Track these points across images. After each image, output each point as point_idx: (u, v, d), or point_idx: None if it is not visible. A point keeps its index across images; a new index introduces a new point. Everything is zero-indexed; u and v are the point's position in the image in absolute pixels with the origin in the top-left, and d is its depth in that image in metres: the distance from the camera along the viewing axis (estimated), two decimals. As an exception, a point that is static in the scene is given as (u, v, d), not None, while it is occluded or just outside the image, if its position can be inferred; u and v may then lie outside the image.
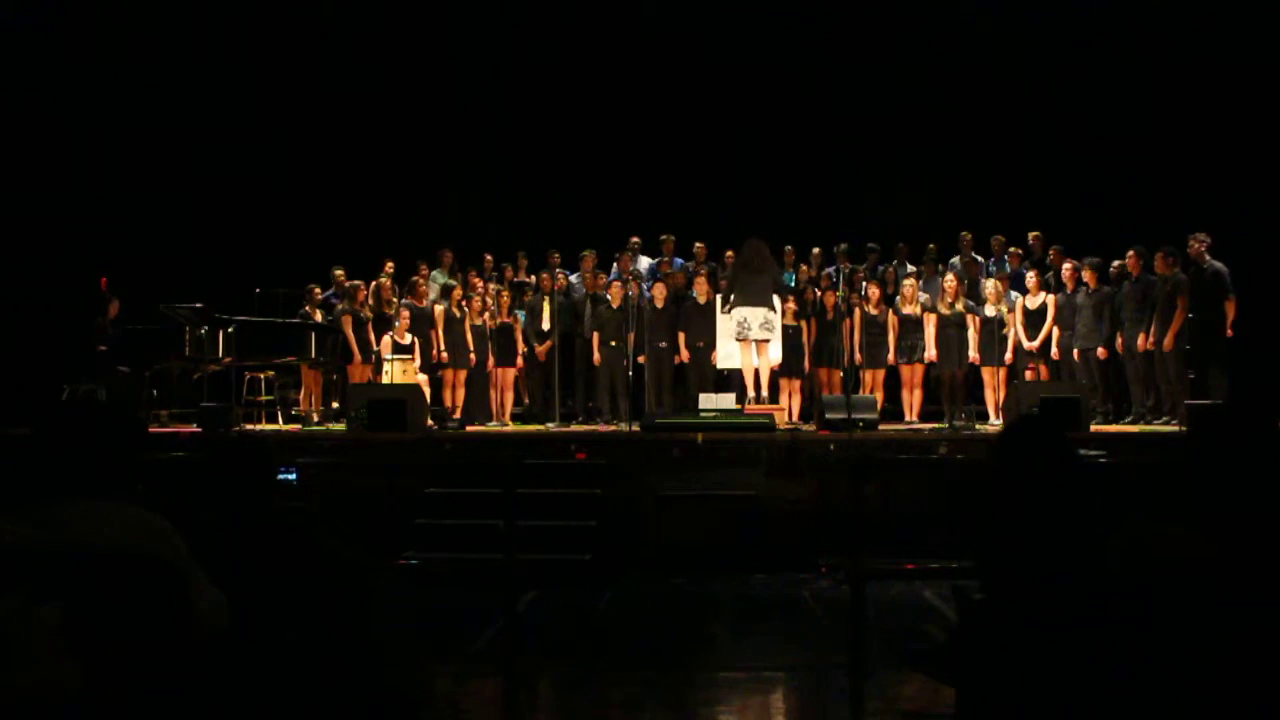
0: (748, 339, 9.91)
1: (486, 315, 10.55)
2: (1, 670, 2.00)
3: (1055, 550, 2.26)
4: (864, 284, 10.43)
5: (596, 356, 10.43)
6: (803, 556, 6.96)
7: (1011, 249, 10.83)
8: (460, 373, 10.43)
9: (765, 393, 10.02)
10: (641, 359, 10.28)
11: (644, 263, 11.69)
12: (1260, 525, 1.90)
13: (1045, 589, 2.18)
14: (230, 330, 9.48)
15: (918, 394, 10.27)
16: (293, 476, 6.31)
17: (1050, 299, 9.88)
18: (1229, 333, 8.94)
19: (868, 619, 4.75)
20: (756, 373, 10.03)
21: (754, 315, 9.84)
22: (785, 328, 10.13)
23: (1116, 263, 9.95)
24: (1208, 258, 9.14)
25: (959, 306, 10.00)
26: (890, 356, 10.15)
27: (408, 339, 10.10)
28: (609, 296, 10.47)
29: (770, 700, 4.79)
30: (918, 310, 10.15)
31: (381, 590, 3.16)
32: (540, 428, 9.97)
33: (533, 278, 11.40)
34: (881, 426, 9.00)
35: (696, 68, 12.59)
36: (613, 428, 9.83)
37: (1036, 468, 2.42)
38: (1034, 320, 9.91)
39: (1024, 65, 11.85)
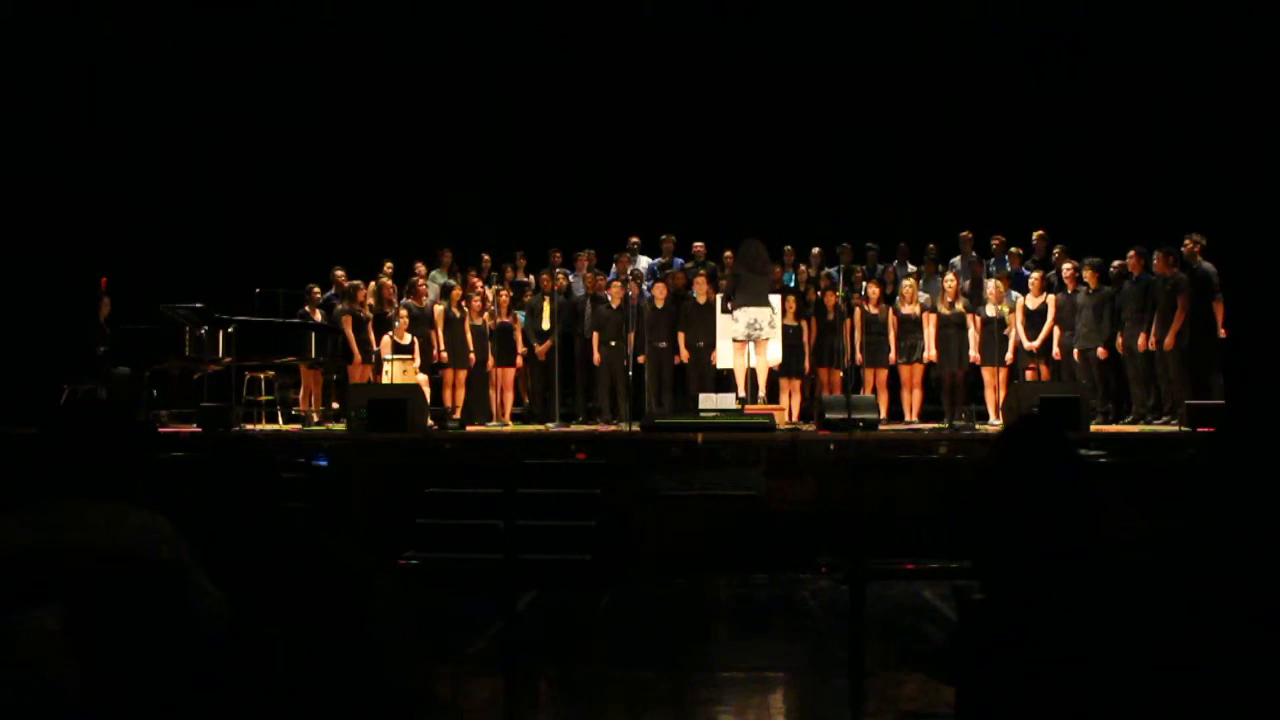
0: (758, 338, 9.92)
1: (486, 315, 10.56)
2: (2, 672, 2.01)
3: (1055, 550, 2.26)
4: (864, 284, 10.44)
5: (596, 356, 10.43)
6: (803, 556, 6.95)
7: (1012, 249, 10.83)
8: (460, 373, 10.44)
9: (763, 393, 10.03)
10: (641, 359, 10.28)
11: (644, 262, 11.69)
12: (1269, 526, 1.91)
13: (1045, 589, 2.18)
14: (230, 330, 9.48)
15: (918, 394, 10.28)
16: (324, 463, 6.30)
17: (1051, 299, 9.89)
18: (1221, 333, 8.98)
19: (868, 619, 4.76)
20: (753, 372, 10.04)
21: (762, 314, 9.87)
22: (785, 328, 10.14)
23: (1117, 263, 9.96)
24: (1199, 259, 9.18)
25: (959, 306, 10.01)
26: (891, 356, 10.15)
27: (407, 339, 10.11)
28: (609, 296, 10.48)
29: (770, 700, 4.79)
30: (917, 310, 10.16)
31: (381, 590, 3.16)
32: (540, 428, 9.97)
33: (532, 278, 11.41)
34: (881, 426, 9.01)
35: (696, 67, 12.59)
36: (613, 428, 9.83)
37: (1038, 467, 2.41)
38: (1035, 320, 9.91)
39: (1025, 64, 11.85)
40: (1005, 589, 2.37)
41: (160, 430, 9.25)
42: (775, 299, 10.12)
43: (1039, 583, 2.22)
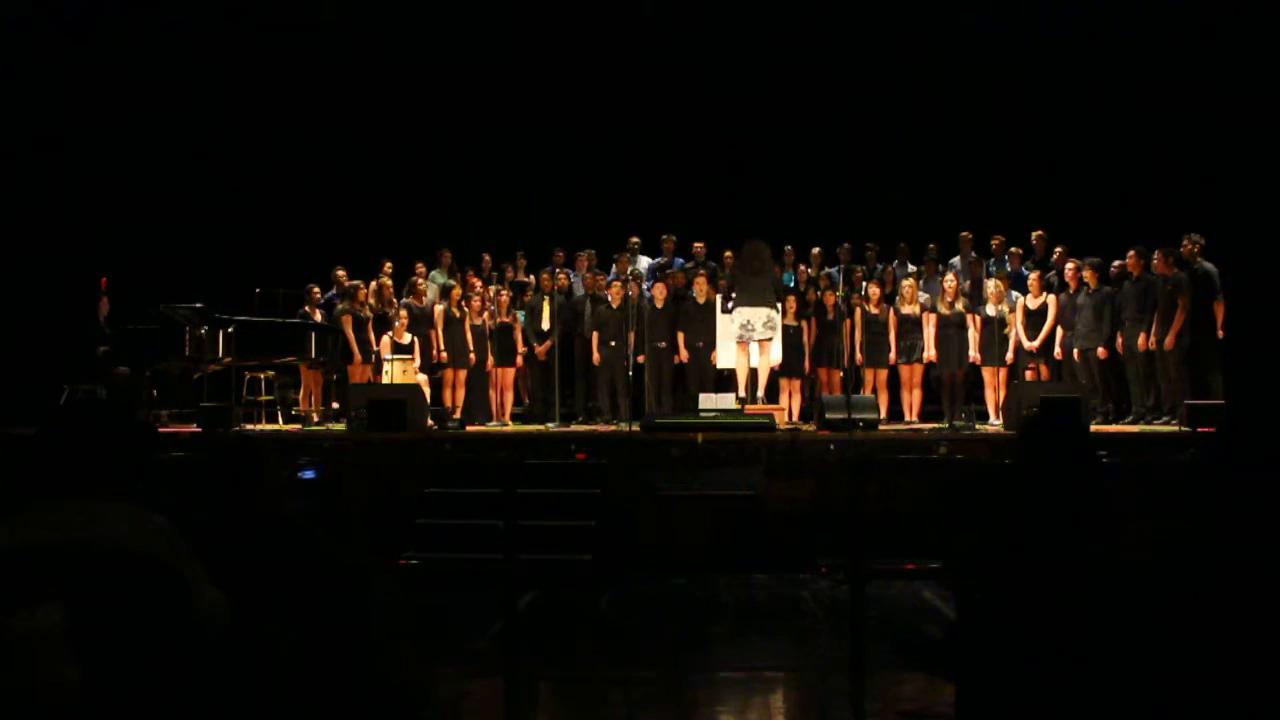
0: (751, 340, 9.90)
1: (486, 315, 10.55)
2: (2, 671, 2.01)
3: (1067, 549, 2.26)
4: (864, 283, 10.44)
5: (596, 356, 10.43)
6: (803, 556, 6.95)
7: (1012, 249, 10.82)
8: (460, 373, 10.43)
9: (762, 393, 10.02)
10: (641, 359, 10.28)
11: (644, 263, 11.69)
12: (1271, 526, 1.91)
13: (1049, 588, 2.18)
14: (230, 330, 9.48)
15: (917, 394, 10.27)
16: (312, 475, 6.28)
17: (1051, 299, 9.88)
18: (1220, 334, 9.02)
19: (868, 619, 4.76)
20: (754, 372, 10.03)
21: (756, 316, 9.85)
22: (785, 328, 10.13)
23: (1117, 263, 9.95)
24: (1199, 259, 9.19)
25: (959, 306, 10.00)
26: (891, 356, 10.15)
27: (407, 339, 10.11)
28: (609, 296, 10.48)
29: (770, 700, 4.79)
30: (916, 310, 10.15)
31: (381, 590, 3.16)
32: (540, 428, 9.97)
33: (532, 278, 11.40)
34: (881, 426, 9.01)
35: (696, 66, 12.59)
36: (613, 428, 9.83)
37: (1060, 464, 2.41)
38: (1035, 320, 9.91)
39: (1025, 65, 11.85)
40: (1008, 588, 2.36)
41: (160, 430, 9.25)
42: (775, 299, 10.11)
43: (1044, 582, 2.22)
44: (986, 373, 10.02)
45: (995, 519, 2.48)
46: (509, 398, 10.83)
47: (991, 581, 2.45)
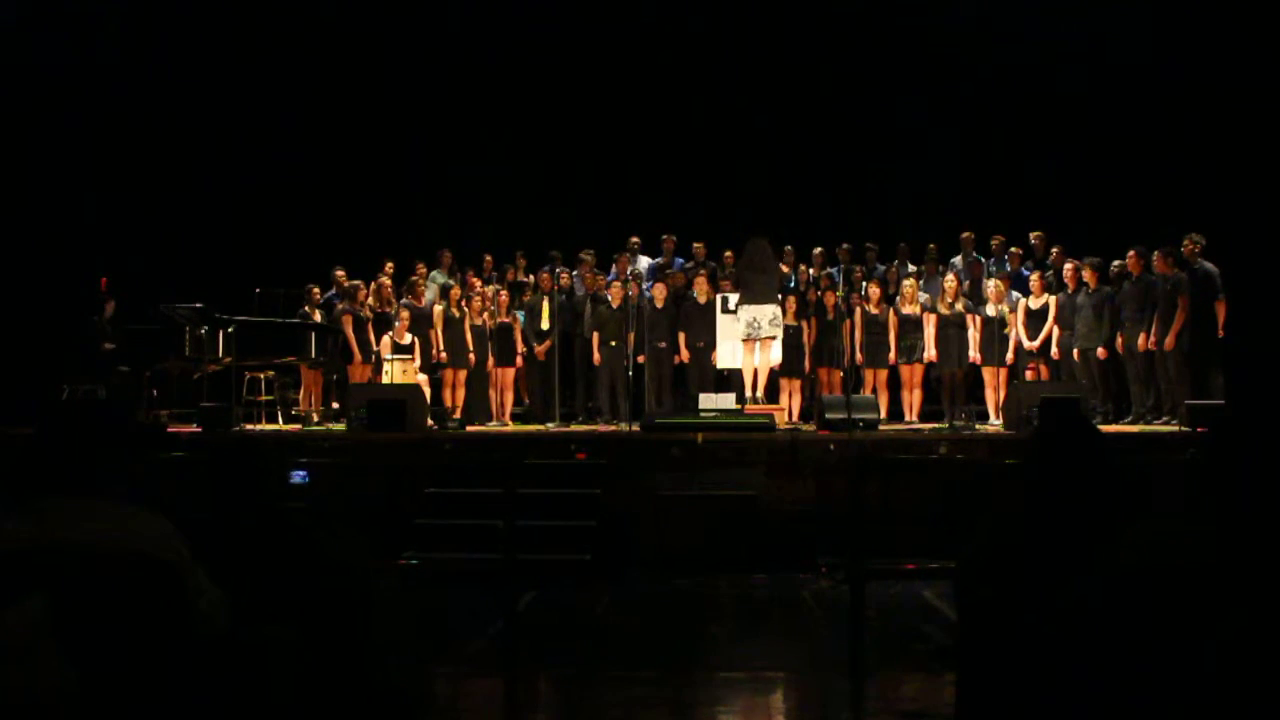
0: (758, 338, 9.88)
1: (486, 315, 10.55)
2: (1, 671, 2.00)
3: (1071, 549, 2.25)
4: (864, 284, 10.44)
5: (596, 356, 10.43)
6: (803, 556, 6.95)
7: (1012, 249, 10.82)
8: (460, 373, 10.43)
9: (761, 393, 10.01)
10: (641, 359, 10.28)
11: (644, 262, 11.68)
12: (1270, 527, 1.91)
13: (1052, 588, 2.18)
14: (230, 330, 9.48)
15: (917, 394, 10.27)
16: (301, 475, 6.27)
17: (1052, 299, 9.88)
18: (1220, 333, 9.02)
19: (868, 619, 4.76)
20: (755, 372, 10.03)
21: (763, 314, 9.84)
22: (785, 327, 10.13)
23: (1116, 263, 9.95)
24: (1199, 259, 9.20)
25: (959, 306, 10.00)
26: (891, 356, 10.14)
27: (407, 339, 10.11)
28: (609, 296, 10.48)
29: (770, 700, 4.79)
30: (917, 310, 10.15)
31: (381, 590, 3.16)
32: (540, 428, 9.97)
33: (532, 278, 11.40)
34: (881, 426, 9.00)
35: (697, 66, 12.59)
36: (613, 428, 9.83)
37: (1074, 463, 2.41)
38: (1035, 320, 9.91)
39: (1025, 65, 11.85)
40: (1005, 587, 2.36)
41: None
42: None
43: (1048, 582, 2.22)
44: (986, 373, 10.02)
45: (998, 518, 2.48)
46: (509, 398, 10.83)
47: (992, 581, 2.45)
